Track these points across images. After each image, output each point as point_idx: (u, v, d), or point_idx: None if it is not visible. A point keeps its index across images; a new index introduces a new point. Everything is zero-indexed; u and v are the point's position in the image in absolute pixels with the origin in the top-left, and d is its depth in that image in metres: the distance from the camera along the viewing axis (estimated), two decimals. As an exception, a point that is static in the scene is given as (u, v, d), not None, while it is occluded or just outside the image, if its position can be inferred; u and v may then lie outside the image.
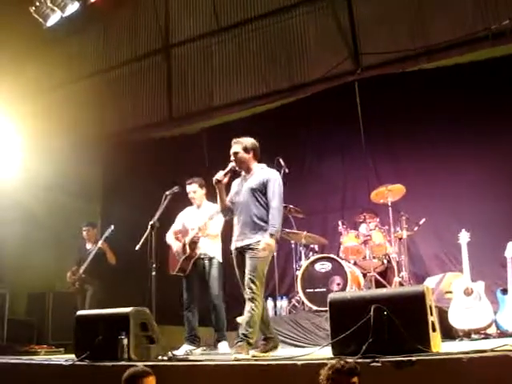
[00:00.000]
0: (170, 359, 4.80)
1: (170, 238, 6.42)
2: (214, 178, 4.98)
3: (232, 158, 5.10)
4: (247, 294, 4.77)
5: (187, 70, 9.39)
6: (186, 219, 6.45)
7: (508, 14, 6.99)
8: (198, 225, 6.10)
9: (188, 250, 6.14)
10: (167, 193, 6.04)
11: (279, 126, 8.42)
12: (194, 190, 6.38)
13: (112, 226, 7.68)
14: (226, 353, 5.79)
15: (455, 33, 7.22)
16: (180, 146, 9.21)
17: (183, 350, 5.98)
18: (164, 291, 6.02)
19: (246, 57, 8.84)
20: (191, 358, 5.21)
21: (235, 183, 5.28)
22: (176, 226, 6.48)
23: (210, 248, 6.24)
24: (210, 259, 6.23)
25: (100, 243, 7.66)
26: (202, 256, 6.22)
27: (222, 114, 8.94)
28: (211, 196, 5.98)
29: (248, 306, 4.76)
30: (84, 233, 8.04)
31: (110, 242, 7.74)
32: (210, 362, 4.38)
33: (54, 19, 8.90)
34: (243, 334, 4.70)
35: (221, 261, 6.25)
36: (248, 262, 4.81)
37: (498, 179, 6.78)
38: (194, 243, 6.16)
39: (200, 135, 9.17)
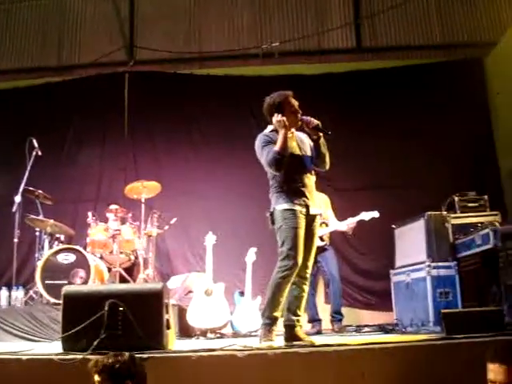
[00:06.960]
0: None
1: None
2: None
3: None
4: None
5: None
6: None
7: (279, 37, 7.55)
8: None
9: None
10: None
11: (41, 104, 7.84)
12: None
13: None
14: None
15: (229, 45, 7.58)
16: None
17: None
18: None
19: (14, 26, 8.21)
20: None
21: None
22: None
23: None
24: None
25: None
26: None
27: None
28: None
29: None
30: None
31: None
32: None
33: None
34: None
35: None
36: None
37: (246, 187, 7.16)
38: None
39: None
